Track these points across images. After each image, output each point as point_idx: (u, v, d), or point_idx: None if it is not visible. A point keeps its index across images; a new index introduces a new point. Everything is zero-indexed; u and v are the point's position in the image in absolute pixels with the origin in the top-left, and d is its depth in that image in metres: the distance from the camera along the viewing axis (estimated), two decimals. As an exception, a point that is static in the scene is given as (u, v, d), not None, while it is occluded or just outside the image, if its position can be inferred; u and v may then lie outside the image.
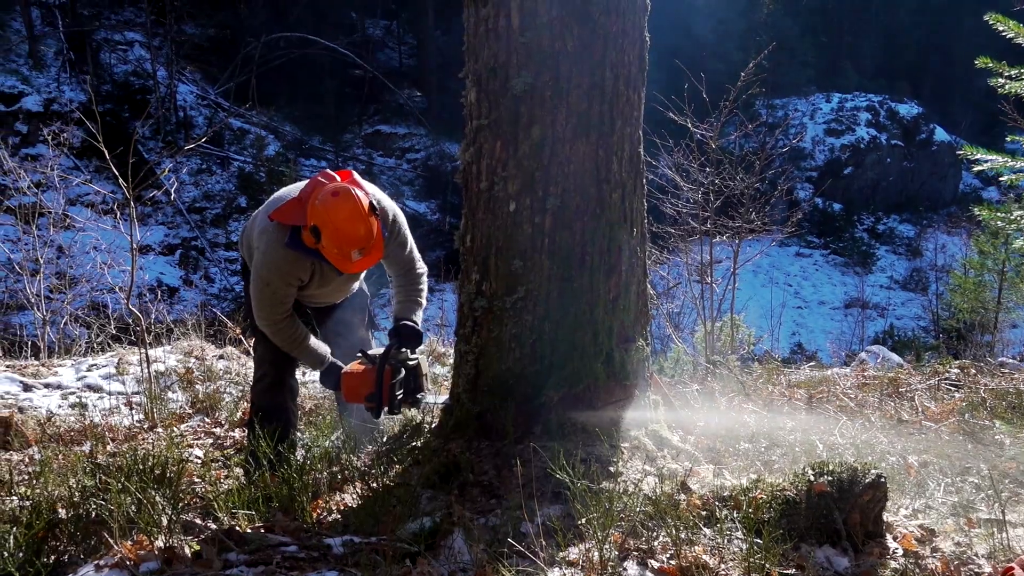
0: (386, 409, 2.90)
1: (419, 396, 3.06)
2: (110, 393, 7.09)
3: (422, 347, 3.28)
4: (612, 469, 2.39)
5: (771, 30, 27.70)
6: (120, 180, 5.66)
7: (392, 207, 3.15)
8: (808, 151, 28.69)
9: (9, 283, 12.60)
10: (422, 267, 3.38)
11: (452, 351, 9.66)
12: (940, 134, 29.96)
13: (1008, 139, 5.18)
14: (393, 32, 30.01)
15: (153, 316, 8.50)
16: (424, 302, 3.37)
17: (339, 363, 3.18)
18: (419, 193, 24.14)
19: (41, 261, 9.16)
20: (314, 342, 3.19)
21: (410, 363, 3.07)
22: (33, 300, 9.03)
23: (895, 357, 9.30)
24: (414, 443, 2.72)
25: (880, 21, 30.50)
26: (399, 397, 2.94)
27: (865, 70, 31.13)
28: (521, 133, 2.59)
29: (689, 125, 6.90)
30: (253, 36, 23.24)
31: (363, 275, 3.52)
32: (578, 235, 2.64)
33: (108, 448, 3.43)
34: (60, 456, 3.27)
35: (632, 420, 2.66)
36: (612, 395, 2.72)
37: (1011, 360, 10.31)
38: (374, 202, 2.85)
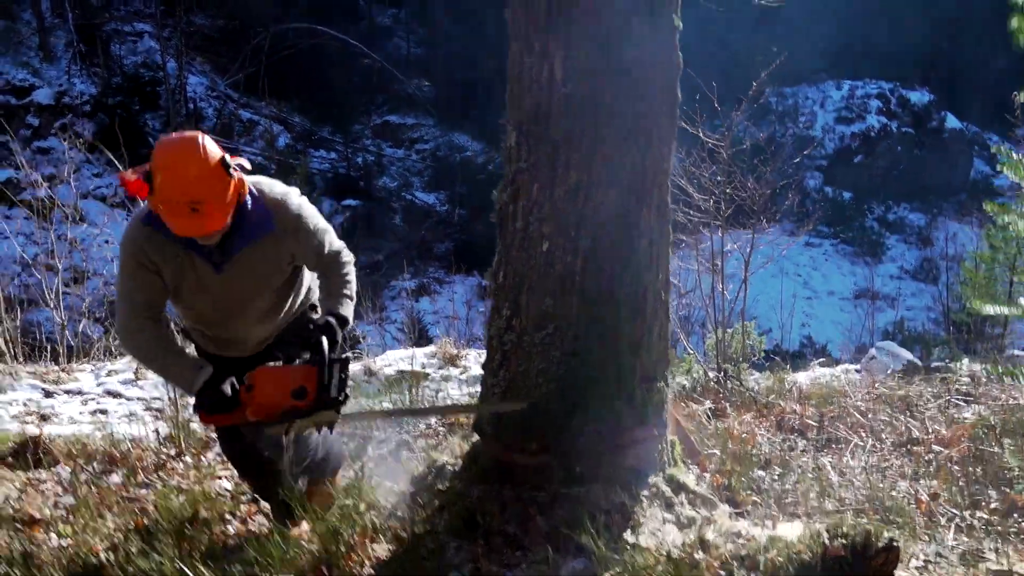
0: (314, 409, 2.46)
1: (347, 395, 2.60)
2: (129, 399, 7.21)
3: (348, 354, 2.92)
4: (632, 520, 2.48)
5: (781, 17, 27.48)
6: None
7: (295, 200, 2.75)
8: (818, 139, 28.55)
9: (24, 279, 12.75)
10: (347, 257, 2.95)
11: (464, 352, 9.71)
12: (951, 121, 29.77)
13: None
14: (401, 21, 29.93)
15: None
16: (353, 295, 2.90)
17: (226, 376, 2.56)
18: (428, 184, 24.20)
19: (58, 259, 9.25)
20: (186, 354, 2.67)
21: (343, 357, 2.64)
22: (52, 301, 9.13)
23: (905, 353, 9.33)
24: (438, 486, 2.80)
25: (891, 6, 30.21)
26: (333, 394, 2.50)
27: (876, 57, 30.87)
28: (558, 178, 2.70)
29: (701, 135, 6.92)
30: (262, 26, 23.25)
31: (292, 302, 2.94)
32: (607, 277, 2.75)
33: (139, 479, 3.53)
34: (92, 488, 3.38)
35: (651, 464, 2.74)
36: (633, 433, 2.81)
37: (1020, 352, 10.35)
38: (228, 159, 2.44)
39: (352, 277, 2.91)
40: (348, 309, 2.79)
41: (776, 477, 3.64)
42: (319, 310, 2.91)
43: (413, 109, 26.04)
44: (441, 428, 3.97)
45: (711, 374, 6.62)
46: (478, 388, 9.30)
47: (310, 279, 3.01)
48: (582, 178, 2.68)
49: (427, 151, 25.17)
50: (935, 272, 23.08)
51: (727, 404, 5.14)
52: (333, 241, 2.87)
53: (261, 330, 2.85)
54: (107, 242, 11.08)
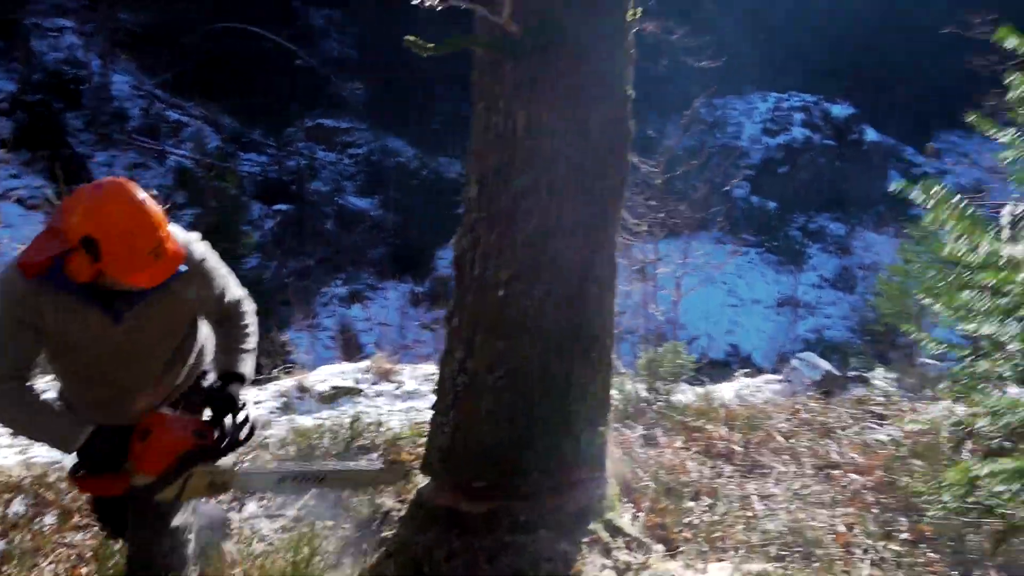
0: (218, 448, 2.37)
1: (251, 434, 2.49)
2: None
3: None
4: (573, 569, 2.60)
5: (713, 31, 28.23)
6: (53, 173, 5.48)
7: (199, 244, 2.55)
8: (745, 150, 29.41)
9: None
10: (249, 306, 2.75)
11: (398, 367, 9.71)
12: (871, 134, 31.01)
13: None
14: (335, 22, 29.61)
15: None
16: (255, 347, 2.70)
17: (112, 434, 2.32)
18: (361, 189, 24.02)
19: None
20: (62, 411, 2.45)
21: (241, 414, 2.49)
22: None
23: (824, 363, 9.74)
24: (384, 533, 2.87)
25: (817, 23, 31.31)
26: (238, 436, 2.42)
27: (800, 71, 31.95)
28: (517, 227, 2.84)
29: (636, 160, 7.14)
30: (191, 25, 22.72)
31: (188, 360, 2.65)
32: (560, 323, 2.89)
33: (74, 520, 3.47)
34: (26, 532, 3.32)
35: (592, 510, 2.87)
36: (578, 474, 2.95)
37: (930, 361, 10.89)
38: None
39: (254, 328, 2.74)
40: (248, 365, 2.64)
41: (706, 508, 3.82)
42: (212, 374, 2.71)
43: (347, 112, 25.81)
44: (381, 464, 4.02)
45: (643, 393, 6.82)
46: (413, 403, 9.24)
47: (205, 336, 2.75)
48: (540, 227, 2.82)
49: (360, 155, 24.97)
50: (853, 281, 24.03)
51: (658, 429, 5.32)
52: (236, 288, 2.71)
53: (151, 391, 2.54)
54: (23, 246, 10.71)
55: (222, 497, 3.39)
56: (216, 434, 2.39)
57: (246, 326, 2.70)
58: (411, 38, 2.70)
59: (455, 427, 2.93)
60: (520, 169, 2.81)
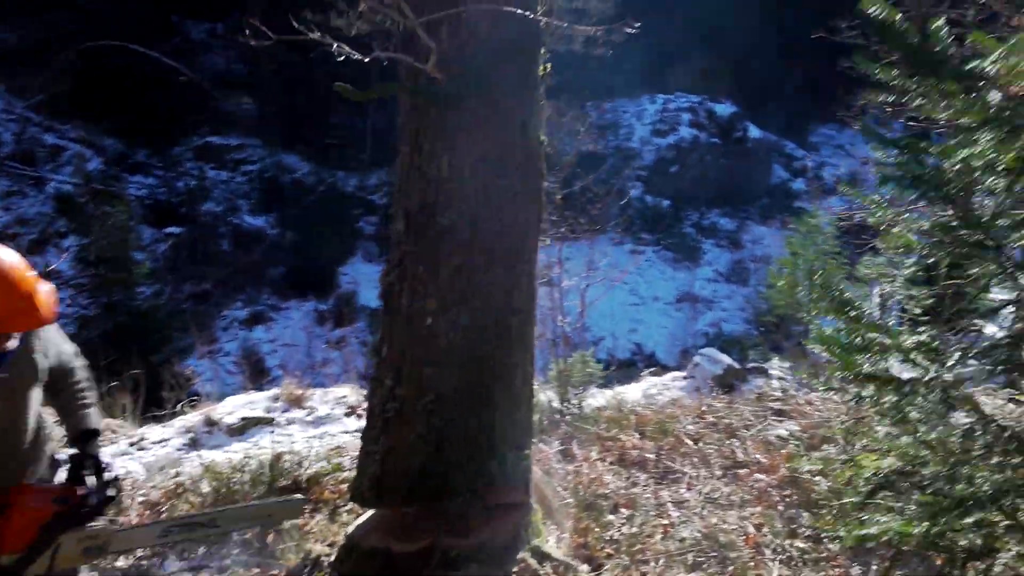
0: (82, 511, 2.27)
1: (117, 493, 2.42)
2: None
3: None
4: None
5: (601, 36, 28.87)
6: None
7: None
8: (637, 151, 30.25)
9: None
10: (81, 360, 2.68)
11: (309, 392, 9.56)
12: (753, 131, 32.38)
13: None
14: (219, 36, 28.76)
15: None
16: (96, 399, 2.64)
17: None
18: (256, 207, 23.38)
19: None
20: None
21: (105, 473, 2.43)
22: None
23: (725, 358, 10.18)
24: (316, 580, 2.87)
25: (701, 26, 32.47)
26: (101, 495, 2.34)
27: (686, 72, 33.09)
28: (442, 261, 2.99)
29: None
30: (65, 43, 21.64)
31: (35, 432, 2.46)
32: (485, 351, 3.04)
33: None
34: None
35: (521, 539, 2.96)
36: (505, 497, 3.04)
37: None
38: None
39: (91, 381, 2.65)
40: (96, 419, 2.57)
41: (625, 520, 3.97)
42: (63, 452, 2.51)
43: (237, 129, 25.10)
44: (306, 505, 3.99)
45: (555, 404, 6.98)
46: (326, 428, 9.14)
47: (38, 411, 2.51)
48: (463, 261, 2.99)
49: (254, 173, 24.32)
50: (746, 274, 25.02)
51: (573, 442, 5.46)
52: (77, 353, 2.64)
53: (14, 462, 2.36)
54: None
55: (141, 554, 3.32)
56: (80, 496, 2.29)
57: (86, 379, 2.63)
58: (341, 85, 2.84)
59: (386, 453, 3.01)
60: (444, 206, 2.97)
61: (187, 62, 24.94)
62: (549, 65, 3.21)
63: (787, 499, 4.27)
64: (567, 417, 6.39)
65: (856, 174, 28.67)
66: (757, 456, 4.91)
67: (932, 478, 1.97)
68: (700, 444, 5.32)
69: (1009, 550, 1.82)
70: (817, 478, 4.46)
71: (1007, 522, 1.75)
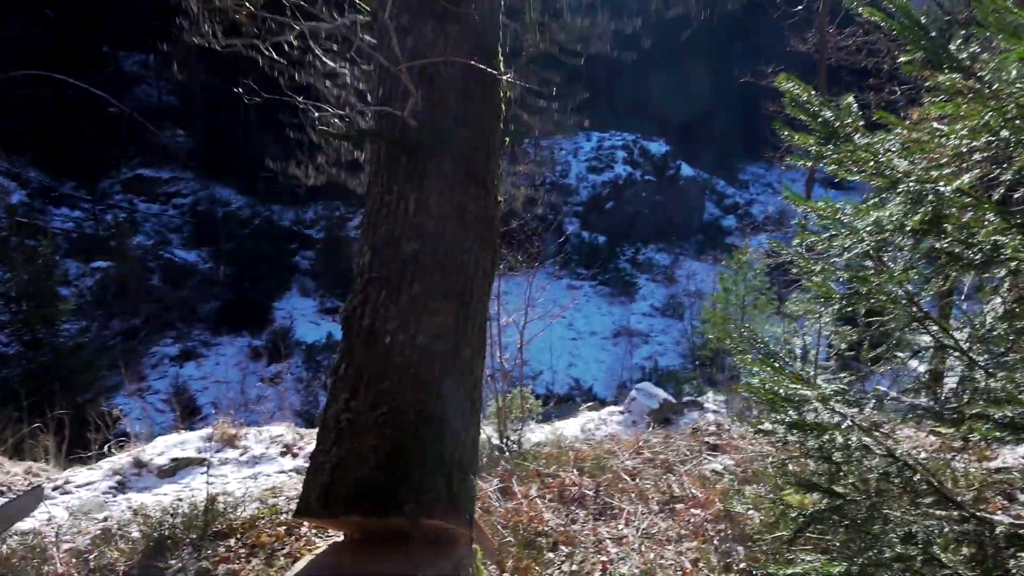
0: None
1: None
2: None
3: None
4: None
5: (534, 75, 29.45)
6: None
7: None
8: (573, 187, 30.75)
9: None
10: None
11: (242, 431, 9.36)
12: (686, 169, 33.28)
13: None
14: (151, 67, 28.33)
15: None
16: None
17: None
18: (188, 241, 22.92)
19: None
20: None
21: None
22: None
23: (660, 392, 10.36)
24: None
25: (632, 68, 33.37)
26: None
27: (619, 111, 33.91)
28: (404, 287, 3.21)
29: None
30: (-14, 73, 21.00)
31: None
32: (437, 372, 3.19)
33: None
34: None
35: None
36: (449, 516, 3.06)
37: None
38: None
39: None
40: None
41: (565, 558, 4.00)
42: None
43: (169, 161, 24.66)
44: (242, 549, 3.89)
45: (495, 440, 7.00)
46: (261, 468, 8.95)
47: None
48: (423, 290, 3.21)
49: (186, 205, 23.88)
50: (681, 309, 25.50)
51: (513, 478, 5.48)
52: None
53: None
54: None
55: None
56: None
57: None
58: (324, 129, 3.04)
59: (336, 463, 3.06)
60: (409, 237, 3.24)
61: (118, 94, 24.45)
62: (513, 127, 3.50)
63: (722, 533, 4.37)
64: (506, 454, 6.41)
65: (784, 211, 29.64)
66: (693, 491, 5.01)
67: (853, 517, 2.08)
68: (638, 480, 5.40)
69: (928, 584, 1.92)
70: (751, 512, 4.58)
71: (923, 556, 1.86)
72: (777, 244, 2.84)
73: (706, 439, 6.59)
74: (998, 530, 1.88)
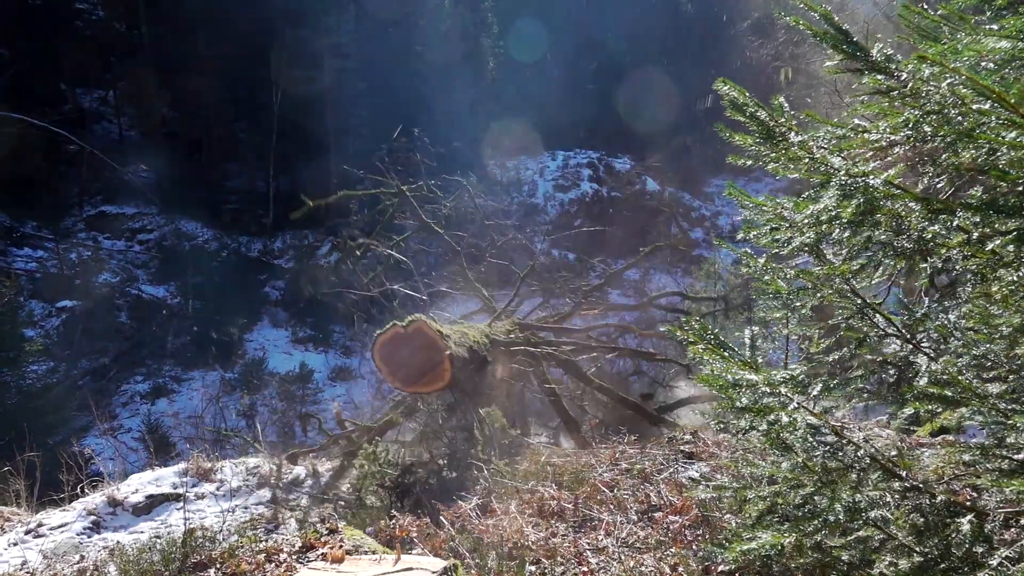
0: None
1: None
2: None
3: None
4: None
5: (495, 100, 29.84)
6: None
7: None
8: (541, 206, 30.96)
9: None
10: None
11: (218, 464, 9.26)
12: (651, 184, 33.65)
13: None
14: (110, 103, 28.14)
15: None
16: None
17: None
18: (155, 276, 22.69)
19: None
20: None
21: None
22: None
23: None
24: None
25: (589, 89, 33.86)
26: None
27: (582, 130, 34.29)
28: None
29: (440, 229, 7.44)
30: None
31: None
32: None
33: None
34: None
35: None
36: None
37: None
38: None
39: None
40: None
41: (546, 570, 4.04)
42: None
43: (132, 197, 24.46)
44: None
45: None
46: (238, 502, 8.88)
47: None
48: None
49: (152, 241, 23.68)
50: (652, 322, 25.60)
51: (492, 496, 5.51)
52: None
53: None
54: None
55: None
56: None
57: None
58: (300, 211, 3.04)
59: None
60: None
61: (78, 131, 24.26)
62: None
63: (700, 538, 4.43)
64: (484, 472, 6.43)
65: (749, 221, 30.01)
66: (671, 498, 5.07)
67: (805, 498, 2.15)
68: (616, 491, 5.45)
69: (884, 560, 1.99)
70: (727, 516, 4.66)
71: (881, 536, 1.93)
72: (729, 246, 2.92)
73: (681, 447, 6.67)
74: (939, 499, 1.97)
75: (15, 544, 6.65)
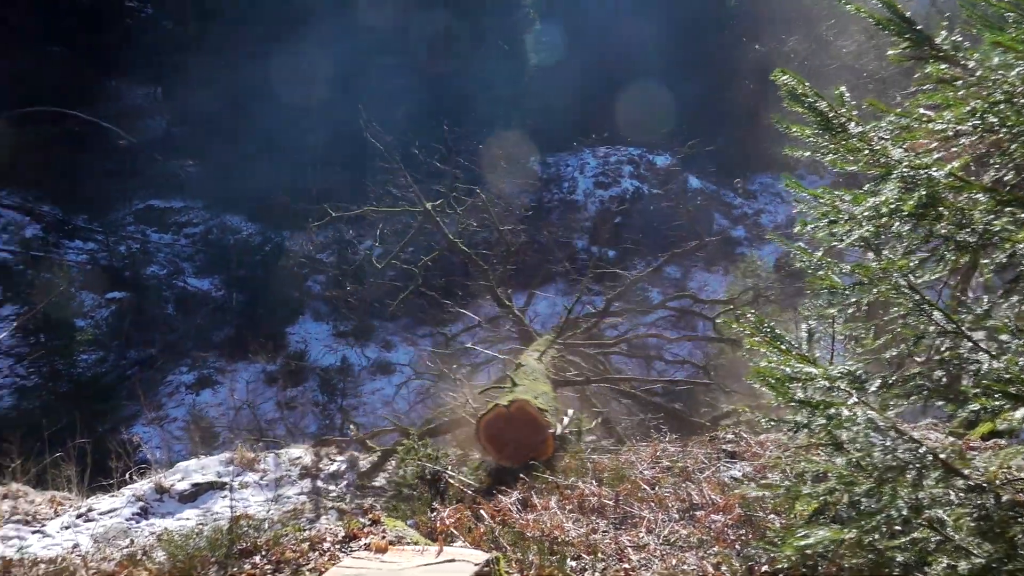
0: None
1: None
2: None
3: None
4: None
5: (536, 96, 29.79)
6: None
7: None
8: (581, 203, 30.87)
9: None
10: None
11: (263, 455, 9.42)
12: (693, 181, 33.33)
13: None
14: (157, 99, 28.69)
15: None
16: None
17: None
18: (201, 269, 23.07)
19: None
20: None
21: None
22: None
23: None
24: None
25: (636, 85, 33.60)
26: None
27: (623, 127, 34.08)
28: None
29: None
30: (-4, 111, 21.35)
31: None
32: None
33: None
34: None
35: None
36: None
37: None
38: None
39: None
40: None
41: (587, 566, 4.03)
42: None
43: (179, 191, 24.91)
44: (267, 566, 3.93)
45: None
46: (281, 492, 8.99)
47: None
48: None
49: (197, 234, 24.07)
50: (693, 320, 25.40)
51: (532, 492, 5.51)
52: None
53: None
54: None
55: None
56: None
57: None
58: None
59: None
60: None
61: (126, 126, 24.76)
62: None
63: (743, 537, 4.38)
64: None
65: (793, 219, 29.60)
66: (713, 497, 5.03)
67: (862, 496, 2.11)
68: (657, 488, 5.42)
69: (941, 562, 1.95)
70: (771, 516, 4.60)
71: (937, 538, 1.89)
72: (783, 240, 2.86)
73: (724, 446, 6.61)
74: (1004, 498, 1.92)
75: (67, 528, 6.83)
